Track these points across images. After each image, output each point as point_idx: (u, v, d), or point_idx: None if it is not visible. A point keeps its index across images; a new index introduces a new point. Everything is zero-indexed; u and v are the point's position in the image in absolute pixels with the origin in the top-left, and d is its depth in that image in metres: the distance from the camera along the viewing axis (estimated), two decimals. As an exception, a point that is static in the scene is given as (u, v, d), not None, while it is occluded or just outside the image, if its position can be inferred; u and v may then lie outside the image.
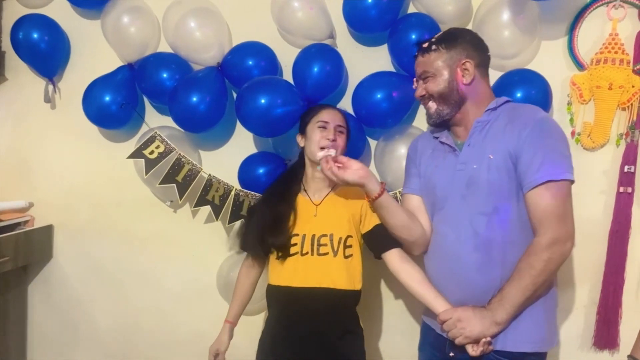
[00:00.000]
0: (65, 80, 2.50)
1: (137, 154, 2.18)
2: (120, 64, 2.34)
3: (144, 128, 2.37)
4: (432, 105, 1.63)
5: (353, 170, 1.60)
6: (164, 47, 2.31)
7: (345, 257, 1.71)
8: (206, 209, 2.22)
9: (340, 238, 1.71)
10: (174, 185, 2.16)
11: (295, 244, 1.72)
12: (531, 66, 2.05)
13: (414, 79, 1.69)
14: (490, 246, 1.52)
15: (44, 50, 2.35)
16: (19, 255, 2.38)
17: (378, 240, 1.73)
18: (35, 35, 2.32)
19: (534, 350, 1.54)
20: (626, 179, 2.01)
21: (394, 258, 1.70)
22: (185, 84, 2.12)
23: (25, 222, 2.54)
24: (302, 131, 1.82)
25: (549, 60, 2.06)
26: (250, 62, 2.13)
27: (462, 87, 1.59)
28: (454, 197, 1.60)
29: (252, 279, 1.89)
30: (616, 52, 1.98)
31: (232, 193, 2.14)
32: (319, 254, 1.70)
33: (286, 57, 2.21)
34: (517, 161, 1.47)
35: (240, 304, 1.89)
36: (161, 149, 2.17)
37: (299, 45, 2.18)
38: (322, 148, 1.72)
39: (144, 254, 2.50)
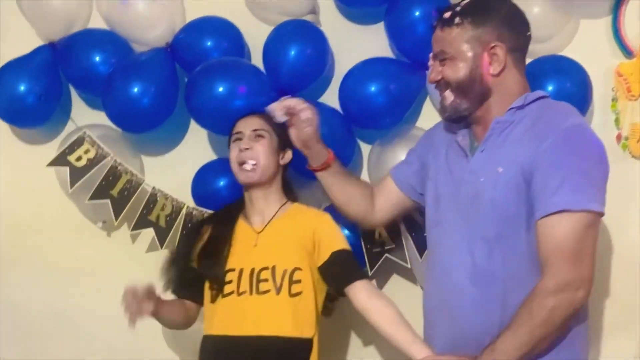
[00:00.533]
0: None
1: (60, 161, 2.14)
2: (39, 43, 2.31)
3: (69, 126, 2.33)
4: (449, 95, 1.58)
5: (300, 130, 1.75)
6: (97, 23, 2.29)
7: (292, 295, 1.69)
8: (149, 233, 2.18)
9: (285, 270, 1.70)
10: (108, 201, 2.13)
11: (230, 282, 1.71)
12: (566, 52, 2.06)
13: (430, 56, 1.64)
14: (490, 281, 1.51)
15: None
16: None
17: (338, 272, 1.72)
18: None
19: None
20: (686, 195, 2.03)
21: (359, 293, 1.68)
22: (124, 70, 2.09)
23: None
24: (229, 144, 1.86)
25: (589, 45, 2.07)
26: (209, 43, 2.11)
27: (487, 78, 1.55)
28: (454, 214, 1.59)
29: (184, 314, 1.85)
30: (673, 35, 2.00)
31: (183, 212, 2.11)
32: (259, 292, 1.69)
33: (255, 36, 2.20)
34: (531, 180, 1.44)
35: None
36: (91, 154, 2.13)
37: (272, 23, 2.16)
38: (242, 164, 1.76)
39: (68, 291, 2.44)
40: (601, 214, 1.44)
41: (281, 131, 1.80)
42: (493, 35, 1.53)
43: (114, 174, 2.13)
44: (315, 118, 1.75)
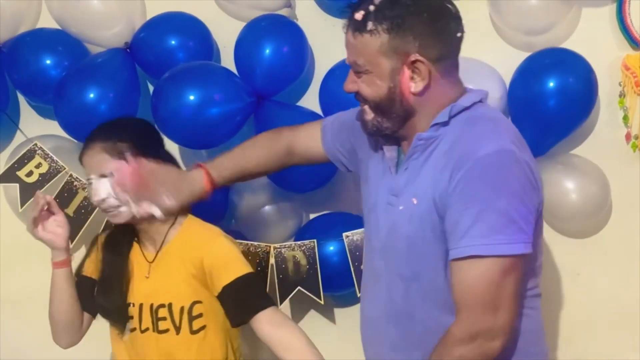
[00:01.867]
0: None
1: (8, 177, 2.09)
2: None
3: (18, 138, 2.28)
4: (369, 111, 1.45)
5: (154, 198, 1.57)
6: (47, 22, 2.23)
7: (194, 332, 1.66)
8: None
9: (182, 308, 1.66)
10: (64, 220, 2.05)
11: (132, 317, 1.69)
12: (568, 44, 2.03)
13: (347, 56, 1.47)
14: (409, 322, 1.47)
15: None
16: None
17: (234, 305, 1.65)
18: None
19: None
20: (702, 199, 2.00)
21: (261, 325, 1.62)
22: (78, 73, 2.05)
23: None
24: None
25: (592, 36, 2.05)
26: (173, 42, 2.07)
27: (409, 97, 1.39)
28: (377, 242, 1.52)
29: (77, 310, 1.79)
30: (683, 24, 1.98)
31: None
32: (159, 332, 1.67)
33: (225, 35, 2.16)
34: (444, 215, 1.36)
35: None
36: (44, 169, 2.08)
37: (243, 18, 2.14)
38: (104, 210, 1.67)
39: (16, 326, 2.38)
40: (523, 255, 1.34)
41: (142, 147, 1.66)
42: (413, 45, 1.34)
43: (69, 191, 2.07)
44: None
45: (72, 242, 2.02)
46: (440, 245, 1.38)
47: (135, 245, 1.73)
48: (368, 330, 1.59)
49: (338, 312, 2.21)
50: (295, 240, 2.07)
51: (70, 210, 2.05)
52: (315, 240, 2.00)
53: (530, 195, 1.34)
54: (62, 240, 1.70)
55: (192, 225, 1.72)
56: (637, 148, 2.04)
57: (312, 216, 2.23)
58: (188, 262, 1.65)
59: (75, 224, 2.03)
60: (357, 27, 1.36)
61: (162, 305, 1.66)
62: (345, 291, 2.06)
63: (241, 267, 1.65)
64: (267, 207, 2.12)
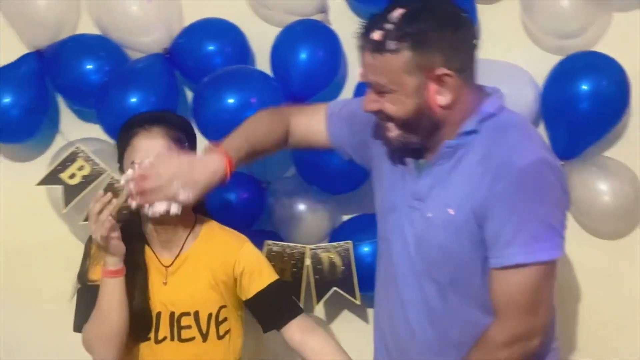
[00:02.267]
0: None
1: (51, 179, 2.12)
2: (24, 51, 2.29)
3: (58, 141, 2.33)
4: (393, 129, 1.43)
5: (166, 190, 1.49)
6: (88, 28, 2.27)
7: (220, 337, 1.67)
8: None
9: (210, 315, 1.65)
10: (105, 221, 2.11)
11: (149, 327, 1.64)
12: (600, 48, 2.06)
13: (360, 73, 1.45)
14: (447, 324, 1.51)
15: None
16: None
17: (266, 313, 1.68)
18: None
19: None
20: None
21: (291, 333, 1.65)
22: (120, 78, 2.09)
23: None
24: (120, 160, 1.68)
25: (623, 40, 2.07)
26: (211, 47, 2.11)
27: (436, 111, 1.39)
28: (403, 241, 1.53)
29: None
30: None
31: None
32: (181, 340, 1.64)
33: (260, 40, 2.20)
34: (484, 224, 1.39)
35: None
36: (86, 171, 2.11)
37: (278, 24, 2.17)
38: None
39: (56, 327, 2.35)
40: (559, 258, 1.41)
41: (190, 144, 1.70)
42: (439, 59, 1.34)
43: (111, 192, 2.09)
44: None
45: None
46: (478, 253, 1.42)
47: (148, 249, 1.65)
48: (394, 323, 1.60)
49: (371, 312, 2.21)
50: (329, 241, 2.11)
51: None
52: (351, 242, 2.04)
53: (564, 201, 1.41)
54: (123, 246, 1.53)
55: (214, 229, 1.69)
56: (671, 153, 2.07)
57: (345, 218, 2.26)
58: (217, 267, 1.63)
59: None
60: (376, 48, 1.33)
61: (187, 314, 1.63)
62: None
63: (272, 274, 1.67)
64: (302, 209, 2.15)
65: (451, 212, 1.41)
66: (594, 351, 2.20)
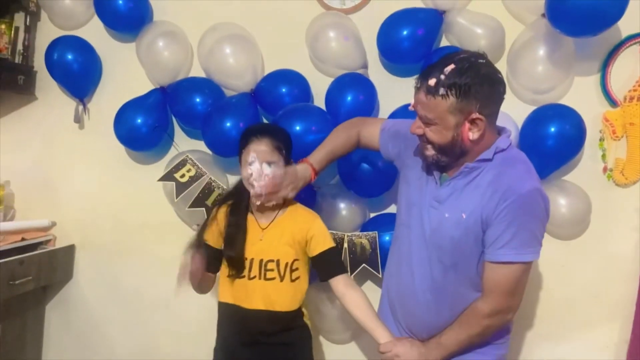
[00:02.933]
0: (95, 101, 2.50)
1: (168, 177, 2.17)
2: (150, 87, 2.35)
3: (172, 151, 2.38)
4: (431, 150, 1.46)
5: (284, 191, 1.66)
6: (196, 72, 2.33)
7: (292, 280, 1.73)
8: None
9: (287, 263, 1.71)
10: (203, 209, 2.15)
11: (244, 267, 1.72)
12: (564, 101, 2.05)
13: (412, 104, 1.47)
14: (443, 293, 1.53)
15: (77, 70, 2.36)
16: (40, 275, 2.35)
17: (324, 267, 1.73)
18: (69, 56, 2.33)
19: None
20: (659, 217, 2.00)
21: (338, 284, 1.70)
22: (219, 108, 2.12)
23: (47, 241, 2.52)
24: (239, 157, 1.74)
25: (582, 97, 2.06)
26: (284, 90, 2.14)
27: (466, 143, 1.42)
28: (422, 231, 1.54)
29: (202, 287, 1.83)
30: (650, 90, 1.99)
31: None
32: (266, 279, 1.71)
33: (318, 85, 2.22)
34: (487, 229, 1.42)
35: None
36: (192, 173, 2.16)
37: (331, 75, 2.20)
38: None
39: (166, 278, 2.36)
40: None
41: (287, 151, 1.71)
42: (475, 106, 1.36)
43: (208, 189, 2.15)
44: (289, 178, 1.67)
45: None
46: (476, 248, 1.46)
47: (250, 216, 1.75)
48: (402, 290, 1.63)
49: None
50: (361, 231, 2.12)
51: (209, 202, 2.14)
52: (376, 232, 2.06)
53: (546, 218, 1.44)
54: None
55: (299, 208, 1.79)
56: (611, 178, 2.06)
57: (372, 214, 2.26)
58: (297, 231, 1.72)
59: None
60: (429, 91, 1.37)
61: (272, 260, 1.71)
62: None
63: (331, 241, 1.76)
64: (342, 206, 2.16)
65: (464, 216, 1.44)
66: (548, 323, 2.18)
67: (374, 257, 2.05)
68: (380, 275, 2.06)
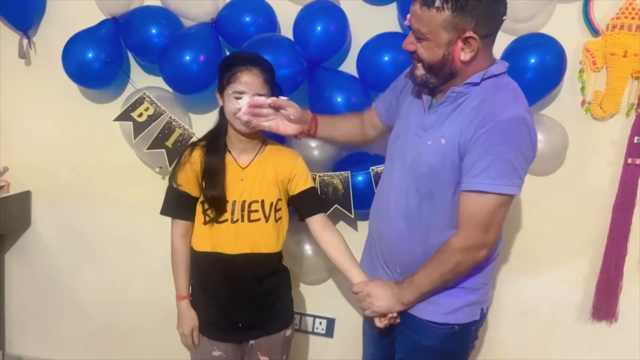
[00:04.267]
0: (41, 34, 2.25)
1: (124, 117, 1.99)
2: (101, 17, 2.11)
3: (129, 88, 2.19)
4: (420, 69, 1.37)
5: (290, 125, 1.60)
6: (151, 0, 2.10)
7: (276, 220, 1.66)
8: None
9: (272, 203, 1.64)
10: (164, 150, 2.00)
11: (225, 211, 1.61)
12: (544, 30, 1.92)
13: (407, 19, 1.37)
14: (417, 223, 1.46)
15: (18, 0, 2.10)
16: (-5, 224, 2.20)
17: (303, 205, 1.69)
18: (7, -17, 2.07)
19: (441, 321, 1.49)
20: (635, 150, 1.95)
21: (315, 224, 1.67)
22: (177, 40, 1.93)
23: (0, 187, 2.34)
24: (220, 90, 1.59)
25: (563, 25, 1.93)
26: (247, 19, 1.94)
27: (457, 63, 1.32)
28: (402, 160, 1.48)
29: (188, 248, 1.71)
30: (632, 18, 1.86)
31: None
32: (250, 220, 1.62)
33: (285, 14, 2.03)
34: (464, 156, 1.32)
35: (187, 276, 1.74)
36: (150, 112, 1.99)
37: (298, 2, 2.01)
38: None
39: (130, 221, 2.35)
40: (514, 195, 1.34)
41: (273, 85, 1.59)
42: (470, 24, 1.26)
43: (169, 129, 1.99)
44: (293, 106, 1.59)
45: (170, 166, 2.00)
46: (453, 177, 1.36)
47: (228, 156, 1.62)
48: (379, 218, 1.58)
49: (360, 224, 2.18)
50: (333, 171, 2.01)
51: (170, 143, 1.99)
52: (349, 172, 1.95)
53: (530, 152, 1.33)
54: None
55: (279, 146, 1.72)
56: (589, 111, 1.97)
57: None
58: (279, 170, 1.65)
59: (173, 153, 1.99)
60: (425, 2, 1.27)
61: (256, 201, 1.62)
62: (369, 209, 2.01)
63: (311, 181, 1.70)
64: (313, 145, 2.01)
65: (443, 141, 1.35)
66: (522, 259, 2.16)
67: (346, 197, 1.96)
68: (352, 216, 1.98)
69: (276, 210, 1.65)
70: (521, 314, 2.19)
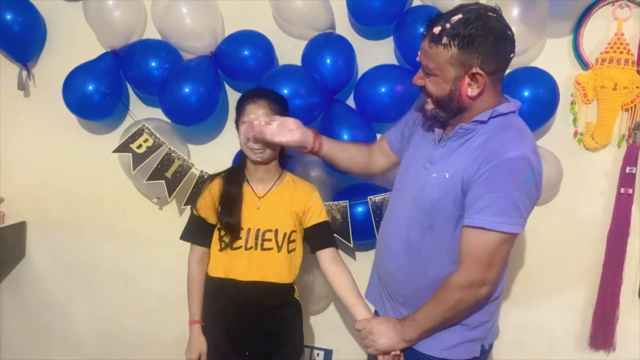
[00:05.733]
0: (41, 66, 2.25)
1: (123, 148, 1.97)
2: (101, 50, 2.11)
3: (127, 120, 2.17)
4: (430, 103, 1.37)
5: (289, 131, 1.56)
6: (151, 34, 2.10)
7: (289, 252, 1.67)
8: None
9: (285, 234, 1.65)
10: (163, 181, 1.97)
11: (240, 238, 1.63)
12: (536, 64, 1.94)
13: (418, 55, 1.37)
14: (417, 255, 1.43)
15: (18, 32, 2.09)
16: (-10, 254, 2.15)
17: (315, 238, 1.69)
18: (8, 17, 2.05)
19: (439, 356, 1.45)
20: (627, 180, 1.95)
21: (325, 257, 1.67)
22: (177, 73, 1.93)
23: (-5, 218, 2.30)
24: (237, 124, 1.66)
25: (554, 59, 1.95)
26: (246, 52, 1.94)
27: (464, 99, 1.31)
28: (409, 192, 1.45)
29: (204, 274, 1.72)
30: (621, 52, 1.89)
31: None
32: (263, 249, 1.64)
33: (284, 48, 2.05)
34: (467, 191, 1.30)
35: (200, 301, 1.73)
36: (150, 143, 1.97)
37: (296, 36, 2.03)
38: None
39: (125, 253, 2.31)
40: (517, 234, 1.31)
41: (283, 113, 1.62)
42: (477, 61, 1.25)
43: (168, 160, 1.97)
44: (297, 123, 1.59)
45: (169, 196, 1.99)
46: (455, 211, 1.34)
47: (246, 185, 1.66)
48: (382, 247, 1.55)
49: (358, 254, 2.16)
50: (332, 200, 1.98)
51: (169, 174, 1.96)
52: (347, 201, 1.93)
53: (534, 193, 1.30)
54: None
55: (295, 178, 1.74)
56: (581, 142, 1.98)
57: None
58: (296, 201, 1.66)
59: (172, 183, 1.97)
60: (433, 39, 1.27)
61: (269, 230, 1.64)
62: (367, 240, 1.99)
63: (325, 215, 1.72)
64: (313, 175, 2.02)
65: (447, 175, 1.34)
66: (518, 288, 2.14)
67: (345, 227, 1.93)
68: (351, 245, 1.96)
69: (289, 242, 1.66)
70: (517, 345, 2.16)
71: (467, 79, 1.28)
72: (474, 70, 1.26)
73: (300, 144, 1.58)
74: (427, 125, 1.48)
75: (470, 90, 1.29)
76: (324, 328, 2.24)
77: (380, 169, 1.73)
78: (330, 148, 1.64)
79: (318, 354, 2.25)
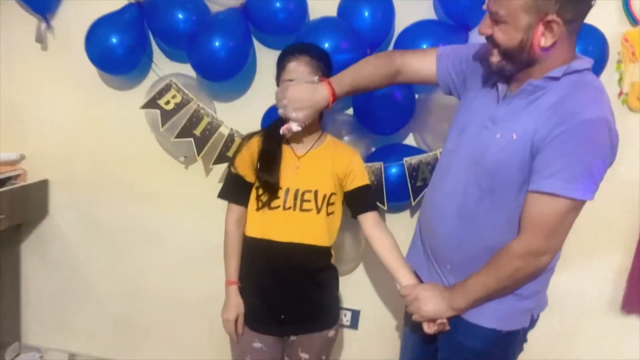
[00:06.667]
0: (60, 18, 2.12)
1: (151, 104, 1.88)
2: (124, 1, 1.99)
3: (150, 75, 2.08)
4: (496, 55, 1.24)
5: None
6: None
7: (328, 214, 1.61)
8: (220, 167, 1.99)
9: (325, 195, 1.59)
10: (192, 139, 1.90)
11: (278, 197, 1.57)
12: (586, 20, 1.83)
13: (485, 3, 1.23)
14: (471, 221, 1.34)
15: (35, -19, 1.98)
16: (14, 213, 2.09)
17: (356, 202, 1.64)
18: (25, -36, 1.94)
19: (486, 326, 1.38)
20: (671, 143, 1.88)
21: (368, 221, 1.61)
22: (206, 26, 1.82)
23: (16, 176, 2.23)
24: (277, 81, 1.60)
25: (601, 14, 1.76)
26: (278, 4, 1.83)
27: (536, 50, 1.19)
28: (466, 152, 1.35)
29: (241, 233, 1.68)
30: (675, 7, 1.79)
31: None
32: (302, 210, 1.58)
33: (315, 1, 1.93)
34: (536, 155, 1.20)
35: (238, 262, 1.68)
36: (178, 99, 1.88)
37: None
38: None
39: (149, 212, 2.25)
40: (586, 201, 1.21)
41: (326, 70, 1.56)
42: (554, 6, 1.12)
43: (196, 117, 1.89)
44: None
45: (198, 155, 1.92)
46: (520, 175, 1.24)
47: (285, 145, 1.61)
48: (431, 212, 1.46)
49: (389, 216, 2.08)
50: (366, 162, 1.89)
51: (198, 131, 1.89)
52: (382, 163, 1.87)
53: (610, 158, 1.20)
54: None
55: (336, 141, 1.69)
56: (625, 103, 1.90)
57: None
58: (337, 164, 1.61)
59: (201, 141, 1.90)
60: None
61: (309, 191, 1.58)
62: (402, 202, 1.94)
63: (367, 178, 1.67)
64: (346, 139, 1.94)
65: (514, 136, 1.23)
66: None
67: (379, 189, 1.87)
68: (385, 208, 1.90)
69: (329, 204, 1.60)
70: (548, 308, 2.12)
71: (541, 27, 1.16)
72: (549, 17, 1.14)
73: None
74: (489, 80, 1.36)
75: (544, 40, 1.17)
76: (351, 289, 2.20)
77: (402, 81, 1.56)
78: (347, 89, 1.50)
79: (345, 314, 2.22)
